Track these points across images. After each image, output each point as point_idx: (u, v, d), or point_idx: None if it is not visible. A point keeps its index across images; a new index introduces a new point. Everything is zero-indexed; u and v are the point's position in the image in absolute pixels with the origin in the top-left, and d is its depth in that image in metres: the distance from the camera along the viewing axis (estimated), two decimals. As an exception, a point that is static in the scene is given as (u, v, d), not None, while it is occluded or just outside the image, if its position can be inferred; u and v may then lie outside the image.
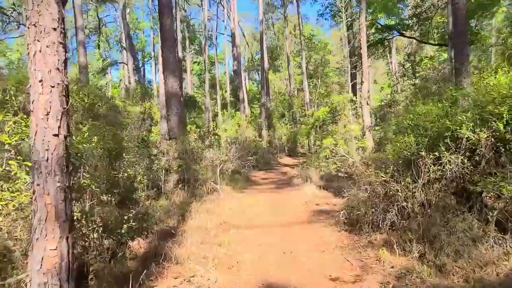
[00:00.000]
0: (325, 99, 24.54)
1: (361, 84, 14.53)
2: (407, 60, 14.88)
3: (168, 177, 7.70)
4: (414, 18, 14.87)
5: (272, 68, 37.21)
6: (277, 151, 20.27)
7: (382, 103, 14.91)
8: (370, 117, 14.48)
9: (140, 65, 42.08)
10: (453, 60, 7.68)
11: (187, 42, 32.36)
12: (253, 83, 45.65)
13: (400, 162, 4.19)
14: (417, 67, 12.77)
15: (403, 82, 13.33)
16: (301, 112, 29.19)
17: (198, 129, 14.87)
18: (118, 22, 33.34)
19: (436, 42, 14.75)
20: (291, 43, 37.94)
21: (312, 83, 30.42)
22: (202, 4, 29.03)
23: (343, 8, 14.44)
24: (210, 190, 7.73)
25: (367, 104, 14.38)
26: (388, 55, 29.79)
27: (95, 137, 4.14)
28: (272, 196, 8.11)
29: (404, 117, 5.22)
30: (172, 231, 5.03)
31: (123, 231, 3.67)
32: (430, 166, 3.68)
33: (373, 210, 4.29)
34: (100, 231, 3.36)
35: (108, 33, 36.84)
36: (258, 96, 34.69)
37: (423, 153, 3.71)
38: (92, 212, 3.43)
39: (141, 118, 9.07)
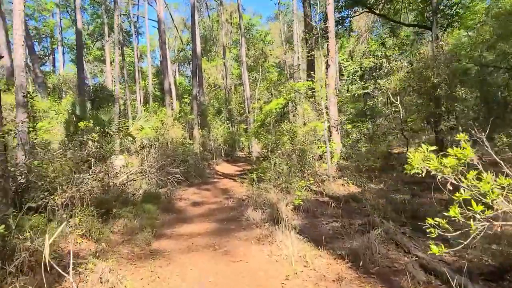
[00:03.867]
0: (275, 90, 20.57)
1: (327, 68, 10.94)
2: (390, 36, 11.82)
3: None
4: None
5: (206, 57, 32.54)
6: (213, 156, 15.79)
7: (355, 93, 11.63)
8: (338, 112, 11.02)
9: (49, 53, 35.10)
10: None
11: (106, 28, 25.64)
12: (184, 78, 40.32)
13: None
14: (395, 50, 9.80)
15: (388, 65, 10.25)
16: (239, 109, 24.97)
17: (100, 128, 9.78)
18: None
19: (411, 23, 12.01)
20: (227, 32, 33.67)
21: (252, 77, 26.53)
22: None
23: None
24: (59, 274, 2.99)
25: (335, 94, 10.88)
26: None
27: None
28: (216, 271, 3.68)
29: None
30: None
31: None
32: None
33: None
34: None
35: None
36: (189, 88, 29.61)
37: None
38: None
39: None
